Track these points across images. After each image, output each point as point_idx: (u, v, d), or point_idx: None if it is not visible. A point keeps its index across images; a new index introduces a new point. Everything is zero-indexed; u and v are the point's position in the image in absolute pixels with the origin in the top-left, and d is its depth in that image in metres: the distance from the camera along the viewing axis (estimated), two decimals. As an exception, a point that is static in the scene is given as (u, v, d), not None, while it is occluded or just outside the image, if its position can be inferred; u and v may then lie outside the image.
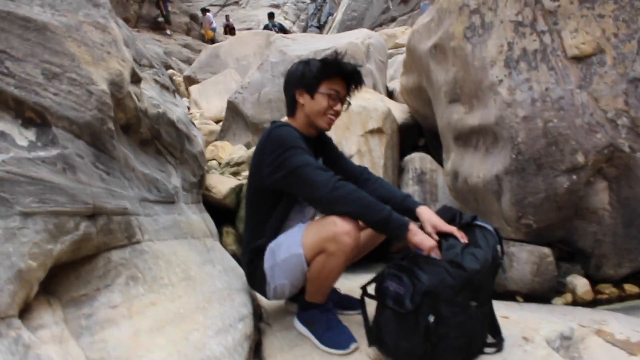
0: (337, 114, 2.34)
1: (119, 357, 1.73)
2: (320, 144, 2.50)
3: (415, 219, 2.23)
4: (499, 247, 2.05)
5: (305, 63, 2.32)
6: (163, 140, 2.91)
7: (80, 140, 2.00)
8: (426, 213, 2.21)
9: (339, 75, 2.29)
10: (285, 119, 2.46)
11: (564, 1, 3.16)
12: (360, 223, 2.15)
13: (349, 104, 2.39)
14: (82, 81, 2.07)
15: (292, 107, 2.38)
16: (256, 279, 2.34)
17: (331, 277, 2.16)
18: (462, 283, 1.89)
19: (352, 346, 2.14)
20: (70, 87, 2.01)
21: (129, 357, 1.75)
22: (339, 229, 2.00)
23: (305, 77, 2.28)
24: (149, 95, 2.87)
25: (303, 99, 2.31)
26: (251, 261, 2.34)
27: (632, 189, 3.08)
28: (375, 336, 2.08)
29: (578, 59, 3.12)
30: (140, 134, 2.69)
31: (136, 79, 2.68)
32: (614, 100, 3.01)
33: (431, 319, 1.86)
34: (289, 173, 2.13)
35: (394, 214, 2.05)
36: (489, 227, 2.10)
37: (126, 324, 1.88)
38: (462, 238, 2.05)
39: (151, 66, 3.45)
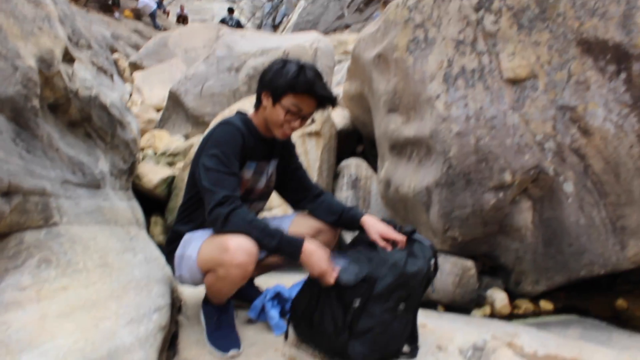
0: (293, 129, 2.20)
1: (21, 341, 1.67)
2: (279, 147, 2.39)
3: (360, 227, 2.27)
4: (433, 261, 2.11)
5: (282, 66, 2.13)
6: (93, 123, 2.84)
7: (0, 115, 1.93)
8: (370, 221, 2.24)
9: (308, 94, 2.12)
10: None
11: (503, 25, 3.25)
12: None
13: (313, 120, 2.31)
14: (8, 55, 2.00)
15: (257, 103, 2.26)
16: (170, 261, 2.31)
17: (223, 293, 2.15)
18: (399, 283, 1.96)
19: (231, 352, 2.12)
20: (-6, 59, 1.94)
21: (32, 341, 1.69)
22: (228, 260, 1.93)
23: (273, 83, 2.12)
24: (82, 77, 2.79)
25: (266, 102, 2.17)
26: (170, 242, 2.31)
27: (554, 210, 3.20)
28: (300, 314, 2.14)
29: (513, 82, 3.22)
30: (69, 115, 2.62)
31: (69, 58, 2.61)
32: (543, 125, 3.12)
33: (357, 303, 1.93)
34: (202, 169, 2.07)
35: (286, 238, 2.00)
36: (426, 242, 2.16)
37: (33, 307, 1.82)
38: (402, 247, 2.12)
39: (89, 47, 3.36)
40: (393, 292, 1.96)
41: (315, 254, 1.98)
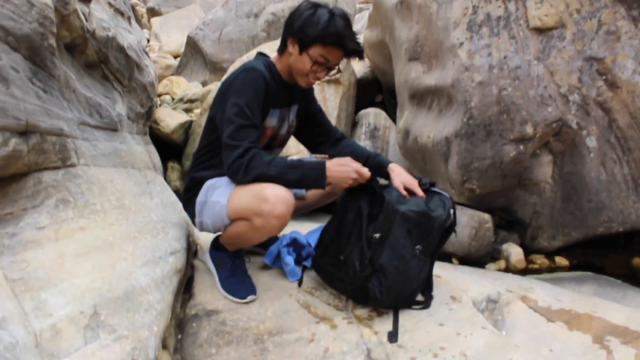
0: (318, 79, 2.15)
1: (40, 279, 1.69)
2: (300, 91, 2.34)
3: (387, 175, 2.26)
4: (452, 211, 2.11)
5: (312, 13, 2.03)
6: (111, 65, 2.81)
7: (16, 53, 1.89)
8: (397, 169, 2.24)
9: (338, 46, 2.05)
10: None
11: (532, -30, 3.14)
12: None
13: (339, 70, 2.25)
14: (23, -9, 1.95)
15: (282, 48, 2.18)
16: (189, 207, 2.30)
17: (250, 243, 2.16)
18: (421, 221, 1.99)
19: (249, 298, 2.15)
20: (9, -5, 1.89)
21: (50, 279, 1.71)
22: (267, 210, 1.91)
23: (302, 31, 2.03)
24: (99, 17, 2.75)
25: (292, 49, 2.10)
26: (189, 189, 2.30)
27: (575, 165, 3.15)
28: (325, 248, 2.16)
29: (539, 31, 3.12)
30: (86, 56, 2.58)
31: (85, -2, 2.56)
32: (569, 76, 3.04)
33: (377, 235, 1.96)
34: (225, 120, 2.04)
35: (308, 165, 1.99)
36: (445, 194, 2.15)
37: (51, 246, 1.83)
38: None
39: (106, -12, 3.30)
40: (413, 228, 1.98)
41: (339, 164, 1.98)
